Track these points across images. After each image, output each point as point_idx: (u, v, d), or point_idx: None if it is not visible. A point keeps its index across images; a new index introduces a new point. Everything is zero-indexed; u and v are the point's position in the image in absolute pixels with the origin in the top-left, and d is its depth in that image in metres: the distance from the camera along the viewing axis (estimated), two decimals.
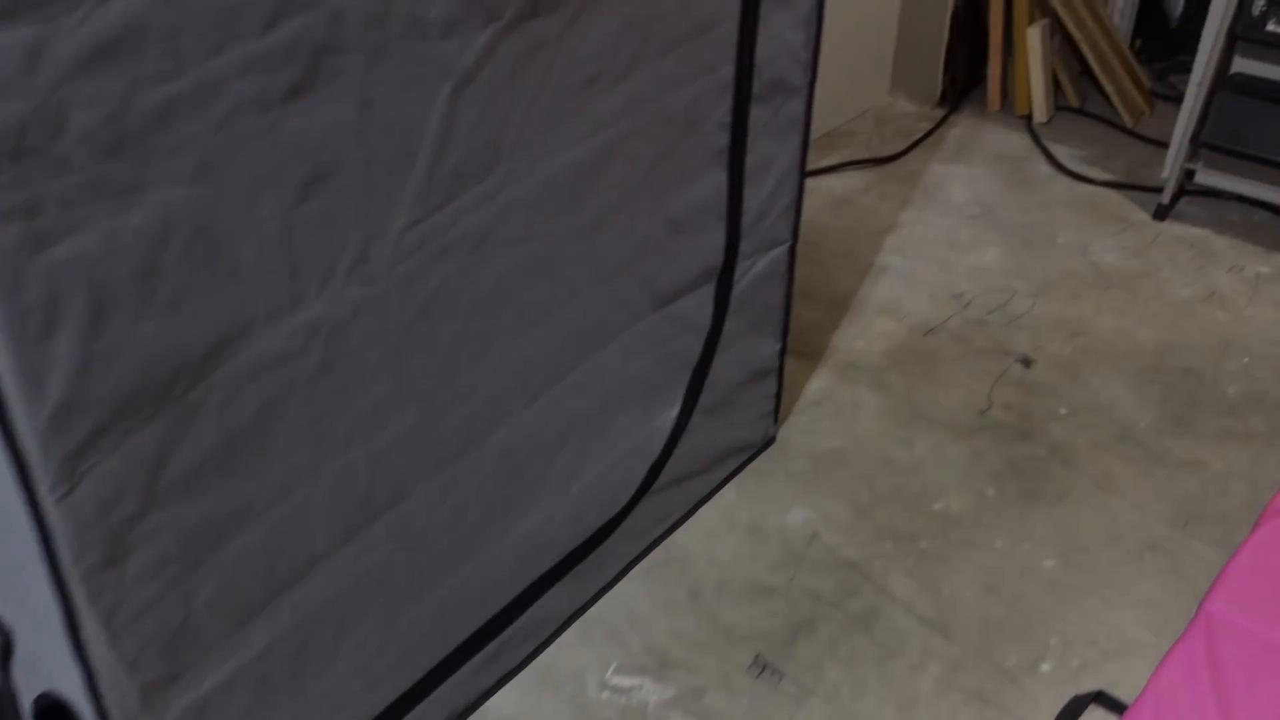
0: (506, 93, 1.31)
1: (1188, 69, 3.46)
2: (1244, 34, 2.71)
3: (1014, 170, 3.20)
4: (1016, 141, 3.35)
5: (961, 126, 3.45)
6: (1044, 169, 3.21)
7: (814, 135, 3.32)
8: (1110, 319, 2.57)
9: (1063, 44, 3.51)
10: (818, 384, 2.37)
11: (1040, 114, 3.44)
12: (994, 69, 3.48)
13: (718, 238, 1.83)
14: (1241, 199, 2.99)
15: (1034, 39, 3.37)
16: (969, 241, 2.86)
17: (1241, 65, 2.87)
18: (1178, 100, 3.45)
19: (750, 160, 1.81)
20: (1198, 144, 2.87)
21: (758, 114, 1.77)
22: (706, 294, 1.87)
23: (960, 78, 3.60)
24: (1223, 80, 2.86)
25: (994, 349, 2.47)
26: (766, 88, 1.76)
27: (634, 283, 1.71)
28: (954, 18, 3.42)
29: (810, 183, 3.12)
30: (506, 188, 1.38)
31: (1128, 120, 3.43)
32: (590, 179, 1.52)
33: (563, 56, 1.37)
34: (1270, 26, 2.66)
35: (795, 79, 1.81)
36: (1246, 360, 2.43)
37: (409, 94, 1.18)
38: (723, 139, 1.74)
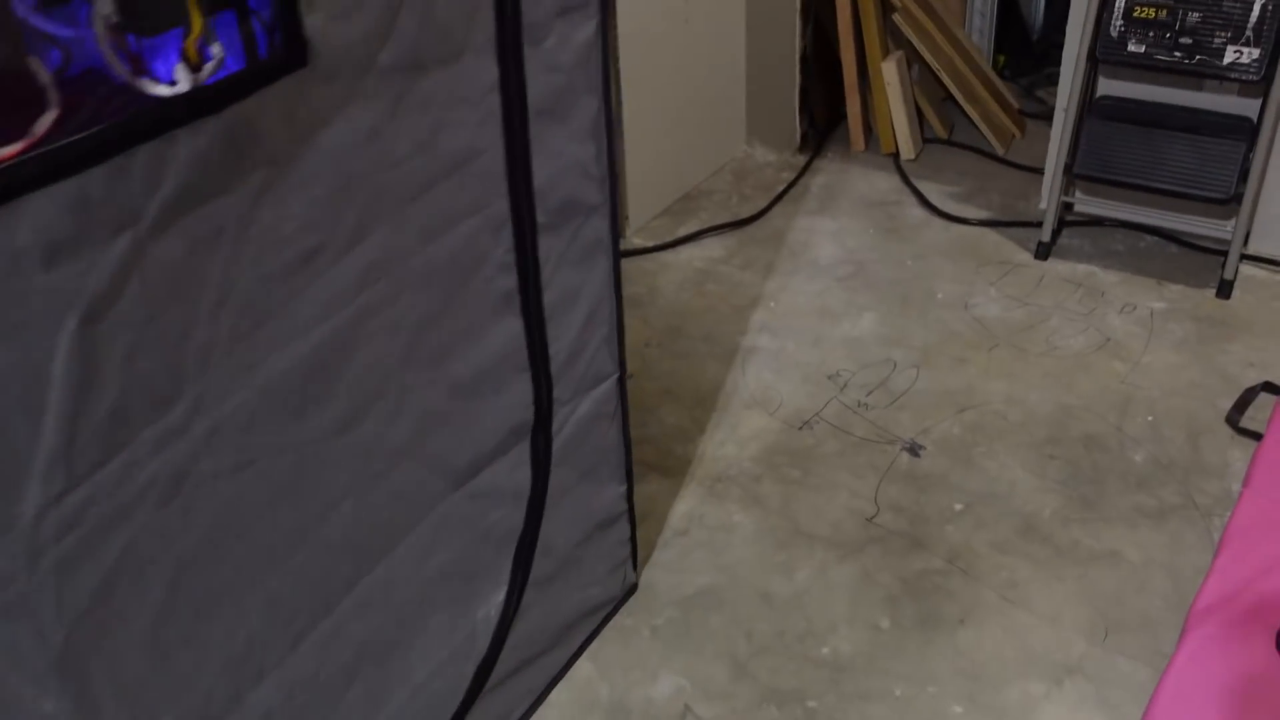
0: (176, 303, 1.02)
1: (1055, 81, 3.28)
2: (1105, 56, 2.51)
3: (884, 217, 2.97)
4: (885, 184, 3.13)
5: (826, 173, 3.22)
6: (916, 212, 2.98)
7: (669, 200, 3.07)
8: (1000, 385, 2.33)
9: (923, 73, 3.30)
10: (684, 506, 2.09)
11: (907, 151, 3.22)
12: (852, 108, 3.26)
13: (523, 391, 1.55)
14: (1126, 225, 2.80)
15: (890, 73, 3.15)
16: (842, 308, 2.61)
17: (1108, 87, 2.67)
18: (1048, 118, 3.27)
19: (550, 297, 1.53)
20: (1071, 175, 2.66)
21: (550, 244, 1.50)
22: (520, 455, 1.59)
23: (820, 119, 3.37)
24: (1090, 105, 2.65)
25: (877, 437, 2.22)
26: (556, 214, 1.49)
27: (419, 467, 1.41)
28: (804, 58, 3.19)
29: (668, 256, 2.86)
30: (202, 414, 1.08)
31: (998, 148, 3.22)
32: (330, 369, 1.23)
33: (256, 240, 1.08)
34: (1131, 46, 2.46)
35: (591, 197, 1.54)
36: (1151, 418, 2.21)
37: (4, 345, 0.88)
38: (509, 281, 1.45)
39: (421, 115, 1.24)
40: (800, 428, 2.26)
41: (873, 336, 2.51)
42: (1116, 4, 2.46)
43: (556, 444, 1.64)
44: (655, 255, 2.87)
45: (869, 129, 3.32)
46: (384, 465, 1.36)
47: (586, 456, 1.72)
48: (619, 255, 1.63)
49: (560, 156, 1.46)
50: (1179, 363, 2.35)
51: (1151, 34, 2.43)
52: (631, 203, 2.91)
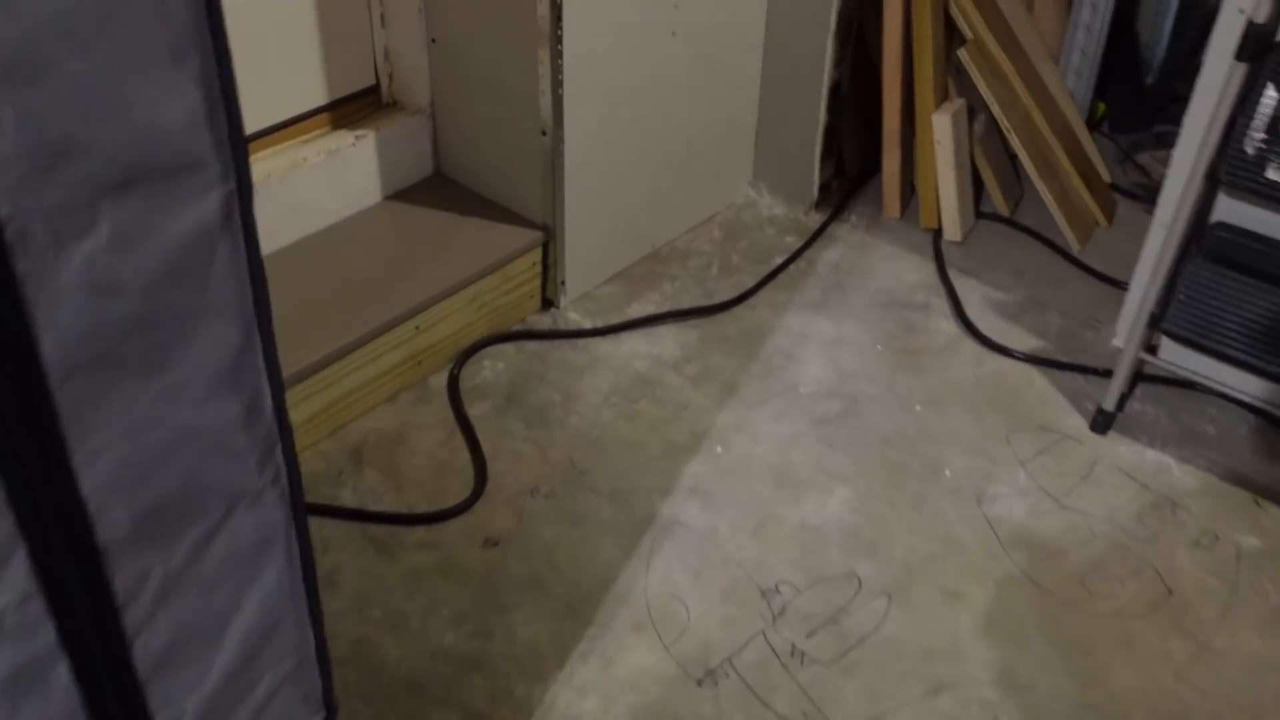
0: None
1: (1167, 143, 2.55)
2: (1231, 180, 1.74)
3: (903, 327, 2.23)
4: (914, 274, 2.38)
5: (843, 244, 2.47)
6: (946, 326, 2.24)
7: (631, 258, 2.36)
8: (1000, 652, 1.62)
9: (990, 127, 2.52)
10: None
11: (952, 230, 2.46)
12: (890, 164, 2.50)
13: None
14: (1224, 397, 2.03)
15: (943, 128, 2.38)
16: (810, 472, 1.91)
17: (1228, 210, 1.90)
18: (1149, 200, 2.51)
19: (151, 644, 0.87)
20: (1157, 328, 1.91)
21: (141, 568, 0.83)
22: None
23: (851, 164, 2.62)
24: (1199, 234, 1.89)
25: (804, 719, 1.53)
26: (147, 522, 0.81)
27: None
28: (836, 89, 2.43)
29: (605, 346, 2.16)
30: None
31: (1074, 243, 2.45)
32: None
33: None
34: (1272, 173, 1.69)
35: (236, 479, 0.86)
36: None
37: None
38: (36, 643, 0.79)
39: None
40: (701, 680, 1.58)
41: (840, 531, 1.80)
42: (1259, 108, 1.68)
43: None
44: (589, 342, 2.17)
45: (910, 189, 2.57)
46: None
47: None
48: (308, 550, 0.95)
49: (148, 430, 0.78)
50: (1268, 655, 1.62)
51: None
52: (570, 261, 2.21)
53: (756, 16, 2.37)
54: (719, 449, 1.95)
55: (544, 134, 2.05)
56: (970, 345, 2.19)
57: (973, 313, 2.26)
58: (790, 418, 2.01)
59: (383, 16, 2.14)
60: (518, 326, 2.21)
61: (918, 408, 2.04)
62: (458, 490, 1.86)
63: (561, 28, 1.94)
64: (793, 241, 2.47)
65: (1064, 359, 2.15)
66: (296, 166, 2.03)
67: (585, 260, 2.25)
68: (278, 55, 2.01)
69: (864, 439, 1.97)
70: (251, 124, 2.02)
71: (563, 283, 2.23)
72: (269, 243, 2.04)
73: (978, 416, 2.02)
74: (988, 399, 2.06)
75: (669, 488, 1.88)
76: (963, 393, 2.08)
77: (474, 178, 2.25)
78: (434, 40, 2.13)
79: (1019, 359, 2.15)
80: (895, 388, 2.08)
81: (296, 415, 1.89)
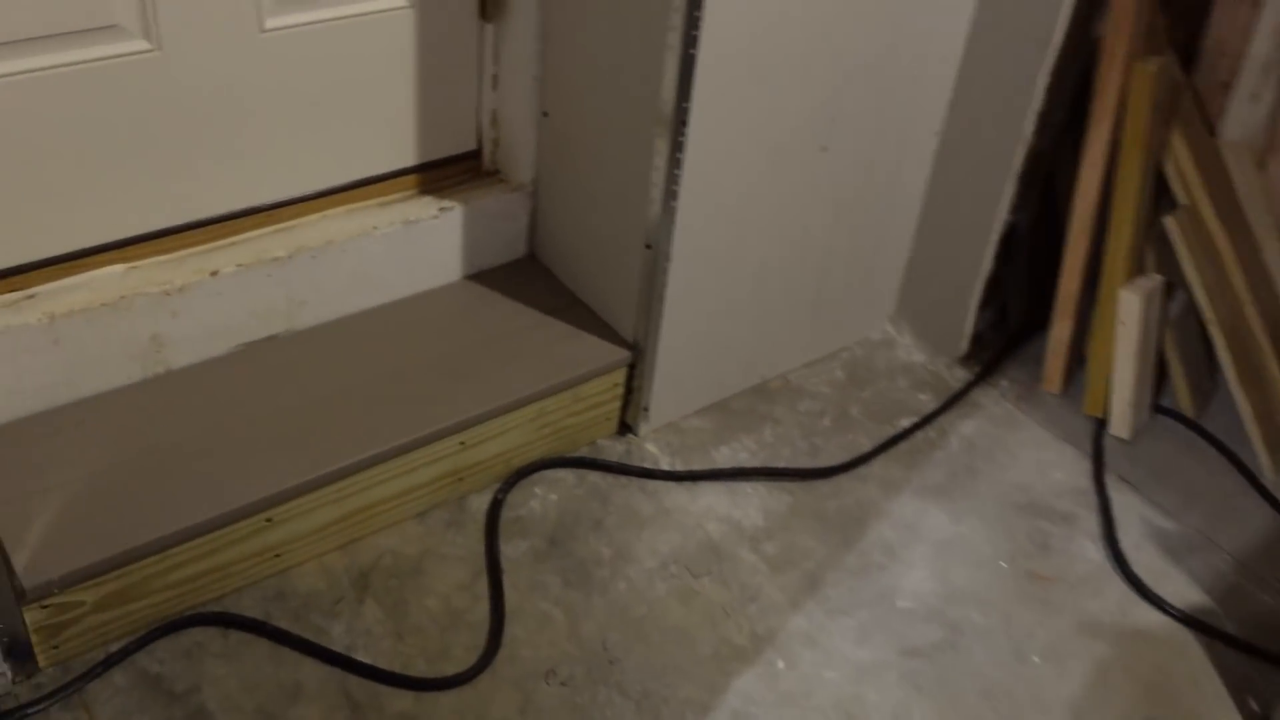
0: None
1: None
2: None
3: (1036, 542, 1.85)
4: (1063, 473, 1.99)
5: (985, 416, 2.10)
6: (1091, 552, 1.85)
7: (732, 388, 2.03)
8: None
9: (1187, 312, 2.11)
10: None
11: (1121, 426, 2.06)
12: (1060, 332, 2.11)
13: None
14: None
15: (1131, 309, 1.98)
16: None
17: None
18: None
19: None
20: None
21: None
22: None
23: (1015, 314, 2.24)
24: None
25: None
26: None
27: None
28: (1010, 236, 2.06)
29: (678, 496, 1.85)
30: None
31: (1268, 468, 2.02)
32: None
33: None
34: None
35: None
36: None
37: None
38: None
39: None
40: None
41: None
42: None
43: None
44: (661, 486, 1.86)
45: (1079, 360, 2.17)
46: None
47: None
48: None
49: None
50: None
51: None
52: (659, 385, 1.90)
53: (926, 142, 2.02)
54: (781, 664, 1.61)
55: (648, 247, 1.75)
56: (1116, 584, 1.79)
57: (1127, 540, 1.86)
58: (876, 639, 1.66)
59: (495, 78, 1.86)
60: (584, 450, 1.91)
61: (1035, 658, 1.66)
62: (464, 651, 1.57)
63: (685, 132, 1.63)
64: (926, 401, 2.10)
65: (1230, 629, 1.73)
66: (364, 234, 1.77)
67: (677, 385, 1.93)
68: (366, 104, 1.75)
69: (960, 687, 1.60)
70: (318, 180, 1.78)
71: (645, 409, 1.92)
72: (318, 312, 1.79)
73: (1107, 688, 1.63)
74: (1125, 664, 1.67)
75: (709, 704, 1.55)
76: (1095, 649, 1.68)
77: (567, 270, 1.96)
78: (546, 114, 1.85)
79: (1173, 616, 1.75)
80: (1012, 624, 1.71)
81: (306, 521, 1.63)
